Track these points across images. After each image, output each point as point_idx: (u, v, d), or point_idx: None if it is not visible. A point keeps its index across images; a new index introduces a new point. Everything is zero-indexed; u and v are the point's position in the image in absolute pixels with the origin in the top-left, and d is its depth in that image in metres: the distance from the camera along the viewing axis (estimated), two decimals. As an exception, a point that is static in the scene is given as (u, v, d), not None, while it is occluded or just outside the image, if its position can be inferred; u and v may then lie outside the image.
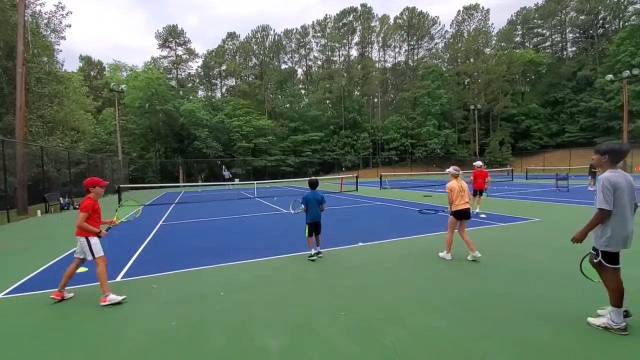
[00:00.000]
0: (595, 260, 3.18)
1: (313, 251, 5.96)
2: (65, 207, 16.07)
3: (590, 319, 3.27)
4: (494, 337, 3.11)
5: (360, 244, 6.91)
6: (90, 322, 3.76)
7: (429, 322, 3.44)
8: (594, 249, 3.19)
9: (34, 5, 21.87)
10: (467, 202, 5.49)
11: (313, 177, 6.75)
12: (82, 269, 5.70)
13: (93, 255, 4.27)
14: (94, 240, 4.32)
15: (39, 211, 14.36)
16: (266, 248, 6.77)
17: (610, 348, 2.87)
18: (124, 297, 4.20)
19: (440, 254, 5.71)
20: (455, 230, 5.65)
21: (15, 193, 14.53)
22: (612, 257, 3.08)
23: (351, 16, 59.72)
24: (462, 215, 5.50)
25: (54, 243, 8.29)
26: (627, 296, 3.10)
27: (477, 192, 10.52)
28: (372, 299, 4.09)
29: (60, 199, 16.46)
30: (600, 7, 50.81)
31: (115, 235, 9.01)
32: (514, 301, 3.86)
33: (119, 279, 5.24)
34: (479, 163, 10.85)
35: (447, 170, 5.82)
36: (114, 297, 4.16)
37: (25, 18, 15.83)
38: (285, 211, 12.47)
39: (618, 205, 3.00)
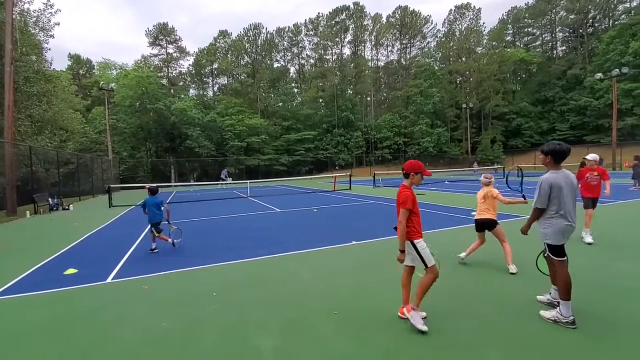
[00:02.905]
0: (545, 255, 3.48)
1: (154, 245, 6.86)
2: (55, 208, 15.81)
3: (542, 312, 3.42)
4: (487, 335, 3.13)
5: (354, 242, 6.91)
6: (81, 323, 3.70)
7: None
8: (545, 244, 3.44)
9: (22, 4, 21.46)
10: (484, 212, 5.04)
11: (153, 185, 7.42)
12: (72, 271, 5.63)
13: (425, 263, 3.26)
14: (422, 244, 3.28)
15: (28, 212, 14.11)
16: (259, 247, 6.73)
17: (602, 347, 2.91)
18: (426, 329, 3.17)
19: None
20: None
21: (4, 194, 14.27)
22: (557, 250, 3.31)
23: (344, 15, 59.63)
24: (480, 227, 5.13)
25: (43, 244, 8.15)
26: (621, 292, 3.14)
27: (591, 202, 6.43)
28: (365, 298, 4.10)
29: (50, 199, 16.19)
30: (590, 7, 51.48)
31: (105, 236, 8.90)
32: (507, 299, 3.90)
33: (109, 280, 5.16)
34: (594, 157, 6.33)
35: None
36: (416, 319, 3.24)
37: (14, 16, 15.52)
38: (279, 210, 12.44)
39: (560, 203, 3.24)
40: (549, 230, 3.30)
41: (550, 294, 3.56)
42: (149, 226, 6.94)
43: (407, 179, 3.47)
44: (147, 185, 7.51)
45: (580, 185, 6.24)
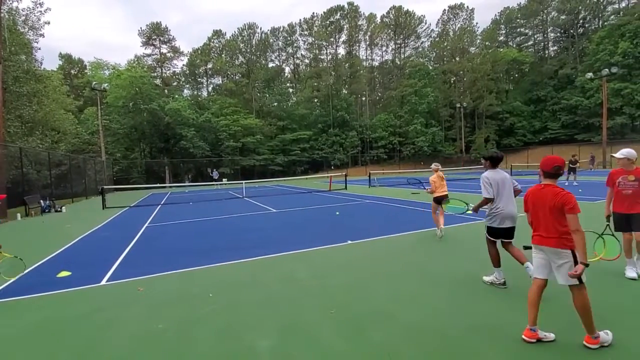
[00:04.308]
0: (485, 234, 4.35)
1: None
2: (47, 210, 15.60)
3: (484, 277, 4.40)
4: (483, 331, 3.15)
5: (349, 241, 6.92)
6: (75, 326, 3.65)
7: (418, 318, 3.47)
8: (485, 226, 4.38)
9: (11, 2, 21.19)
10: (444, 190, 7.01)
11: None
12: (65, 273, 5.57)
13: (581, 280, 2.70)
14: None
15: (18, 214, 13.90)
16: (254, 248, 6.71)
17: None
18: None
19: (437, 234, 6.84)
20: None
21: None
22: (491, 232, 4.27)
23: (338, 14, 59.68)
24: (439, 201, 6.83)
25: (35, 246, 8.04)
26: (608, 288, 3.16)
27: (624, 219, 4.31)
28: (361, 297, 4.11)
29: (41, 201, 15.96)
30: (580, 7, 52.08)
31: (99, 238, 8.81)
32: (501, 295, 3.93)
33: (103, 282, 5.11)
34: (627, 152, 4.24)
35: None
36: (605, 337, 2.79)
37: (2, 15, 15.30)
38: (275, 210, 12.42)
39: (497, 195, 4.13)
40: (489, 215, 4.26)
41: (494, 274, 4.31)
42: None
43: (554, 178, 2.87)
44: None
45: (613, 195, 4.43)
